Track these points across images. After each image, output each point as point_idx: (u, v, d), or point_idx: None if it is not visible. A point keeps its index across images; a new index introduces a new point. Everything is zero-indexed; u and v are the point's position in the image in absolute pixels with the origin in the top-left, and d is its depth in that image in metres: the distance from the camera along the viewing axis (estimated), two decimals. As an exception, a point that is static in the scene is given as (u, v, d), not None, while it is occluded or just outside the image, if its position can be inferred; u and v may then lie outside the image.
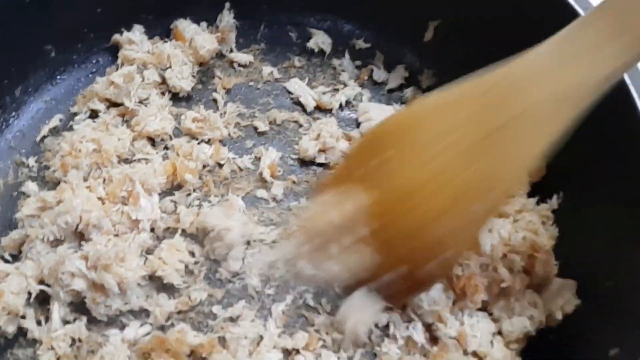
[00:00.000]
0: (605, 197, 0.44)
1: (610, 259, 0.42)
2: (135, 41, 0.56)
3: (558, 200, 0.48)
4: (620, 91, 0.41)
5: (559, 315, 0.43)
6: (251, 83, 0.57)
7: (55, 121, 0.53)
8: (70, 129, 0.53)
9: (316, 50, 0.58)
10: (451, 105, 0.41)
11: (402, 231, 0.42)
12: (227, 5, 0.58)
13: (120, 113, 0.53)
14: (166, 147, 0.52)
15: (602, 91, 0.36)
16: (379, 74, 0.57)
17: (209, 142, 0.52)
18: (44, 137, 0.53)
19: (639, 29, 0.34)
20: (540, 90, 0.37)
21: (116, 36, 0.56)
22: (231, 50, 0.58)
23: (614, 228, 0.43)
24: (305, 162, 0.53)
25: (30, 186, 0.50)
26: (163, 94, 0.55)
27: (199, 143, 0.52)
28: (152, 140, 0.52)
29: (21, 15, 0.50)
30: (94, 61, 0.56)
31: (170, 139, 0.52)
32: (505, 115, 0.38)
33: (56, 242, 0.46)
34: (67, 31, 0.54)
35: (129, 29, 0.56)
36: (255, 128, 0.54)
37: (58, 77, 0.55)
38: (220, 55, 0.58)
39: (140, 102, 0.53)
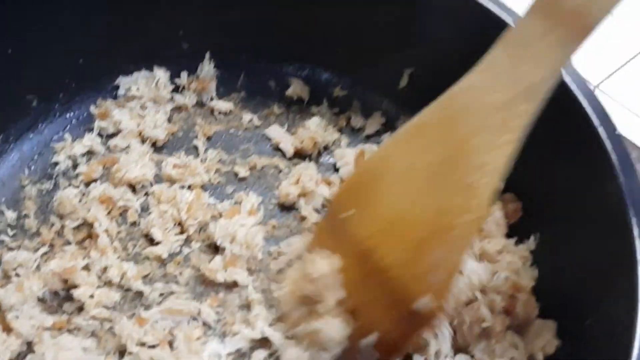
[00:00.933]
0: (582, 235, 0.45)
1: (589, 296, 0.42)
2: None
3: (535, 241, 0.48)
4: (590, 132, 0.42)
5: (539, 357, 0.43)
6: (232, 130, 0.58)
7: (35, 171, 0.54)
8: (50, 177, 0.53)
9: (295, 98, 0.60)
10: (403, 144, 0.41)
11: (368, 295, 0.42)
12: (208, 55, 0.59)
13: (101, 162, 0.54)
14: (147, 194, 0.52)
15: (546, 92, 0.36)
16: (357, 121, 0.58)
17: (189, 187, 0.53)
18: (23, 186, 0.53)
19: (569, 22, 0.35)
20: (486, 101, 0.37)
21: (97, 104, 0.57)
22: (211, 99, 0.59)
23: (591, 265, 0.43)
24: (286, 207, 0.53)
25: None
26: (143, 141, 0.55)
27: (180, 188, 0.52)
28: (132, 187, 0.52)
29: (3, 64, 0.51)
30: (75, 110, 0.56)
31: (151, 185, 0.53)
32: (458, 136, 0.38)
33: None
34: (49, 81, 0.54)
35: (111, 79, 0.57)
36: (236, 174, 0.55)
37: (39, 125, 0.55)
38: (200, 104, 0.59)
39: (121, 150, 0.54)
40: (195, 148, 0.56)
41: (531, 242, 0.48)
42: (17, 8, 0.50)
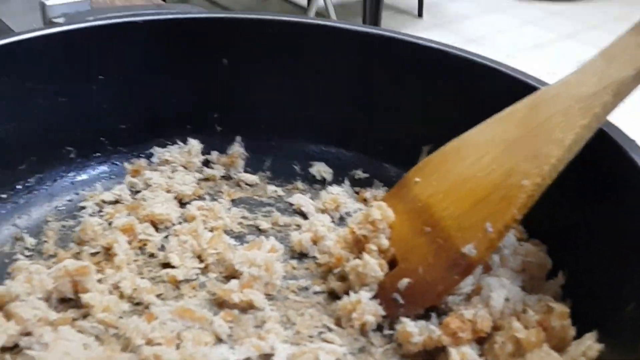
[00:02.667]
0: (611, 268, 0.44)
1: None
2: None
3: (564, 276, 0.47)
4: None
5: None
6: (256, 197, 0.60)
7: (62, 212, 0.55)
8: (75, 217, 0.54)
9: (318, 177, 0.62)
10: (484, 126, 0.47)
11: (415, 244, 0.45)
12: (239, 138, 0.64)
13: (127, 207, 0.55)
14: (168, 235, 0.52)
15: (629, 90, 0.41)
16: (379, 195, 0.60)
17: (211, 230, 0.53)
18: (48, 221, 0.53)
19: None
20: (573, 93, 0.42)
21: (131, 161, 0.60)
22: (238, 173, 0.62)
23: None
24: (303, 255, 0.53)
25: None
26: (169, 192, 0.57)
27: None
28: (155, 226, 0.53)
29: (54, 112, 0.55)
30: (109, 166, 0.59)
31: (173, 225, 0.53)
32: (540, 118, 0.43)
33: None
34: (89, 139, 0.58)
35: (146, 147, 0.61)
36: (257, 227, 0.55)
37: (74, 175, 0.57)
38: (228, 177, 0.62)
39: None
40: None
41: (560, 278, 0.47)
42: (82, 66, 0.56)
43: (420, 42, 0.59)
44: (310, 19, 0.64)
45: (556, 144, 0.41)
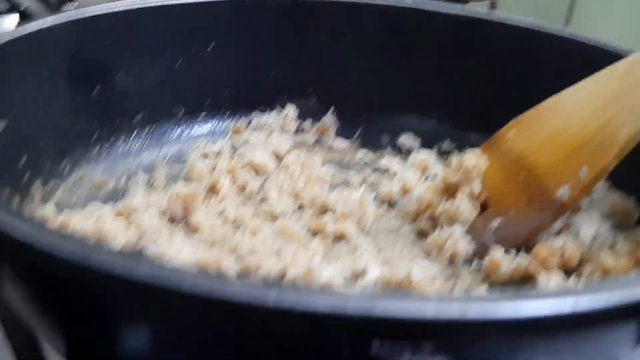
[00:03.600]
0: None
1: None
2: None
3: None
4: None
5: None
6: (346, 159, 0.63)
7: (170, 161, 0.60)
8: (181, 164, 0.59)
9: (405, 147, 0.65)
10: (583, 83, 0.48)
11: (508, 189, 0.48)
12: (332, 109, 0.67)
13: (229, 157, 0.59)
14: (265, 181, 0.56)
15: None
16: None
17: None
18: (157, 166, 0.58)
19: None
20: None
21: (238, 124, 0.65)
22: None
23: None
24: (392, 206, 0.55)
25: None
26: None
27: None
28: (255, 171, 0.57)
29: (167, 75, 0.61)
30: (212, 125, 0.64)
31: (271, 173, 0.57)
32: None
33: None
34: (196, 100, 0.64)
35: (246, 114, 0.66)
36: (348, 181, 0.58)
37: (181, 131, 0.63)
38: (319, 143, 0.65)
39: (249, 149, 0.60)
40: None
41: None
42: (199, 35, 0.62)
43: (508, 22, 0.62)
44: (404, 3, 0.68)
45: None
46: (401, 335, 0.20)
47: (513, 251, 0.44)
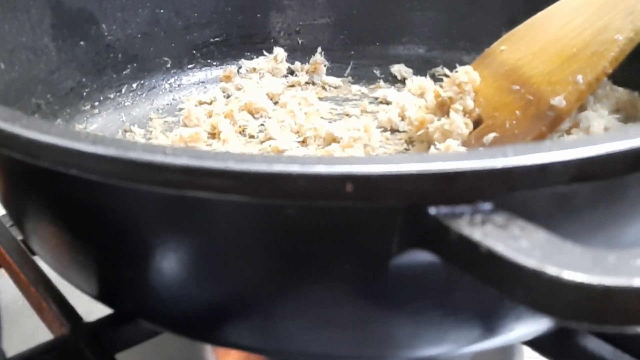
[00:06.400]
0: None
1: None
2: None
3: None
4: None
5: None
6: (341, 95, 0.62)
7: (163, 112, 0.58)
8: (175, 116, 0.58)
9: (399, 77, 0.64)
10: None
11: (503, 101, 0.47)
12: (319, 49, 0.66)
13: (224, 103, 0.58)
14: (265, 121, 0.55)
15: None
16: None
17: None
18: (151, 118, 0.57)
19: None
20: None
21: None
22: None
23: None
24: (395, 131, 0.55)
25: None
26: (262, 91, 0.60)
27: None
28: (252, 114, 0.56)
29: (150, 27, 0.60)
30: (201, 76, 0.63)
31: (268, 114, 0.56)
32: None
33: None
34: (182, 51, 0.62)
35: (234, 61, 0.64)
36: (347, 114, 0.58)
37: (170, 82, 0.61)
38: (312, 83, 0.64)
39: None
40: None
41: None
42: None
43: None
44: None
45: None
46: (460, 191, 0.20)
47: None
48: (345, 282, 0.25)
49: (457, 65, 0.60)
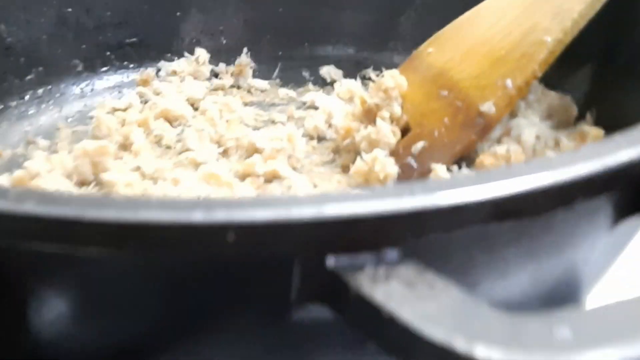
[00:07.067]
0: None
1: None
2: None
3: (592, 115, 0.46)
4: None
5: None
6: (268, 99, 0.59)
7: (73, 121, 0.54)
8: (86, 124, 0.53)
9: (328, 79, 0.61)
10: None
11: (431, 107, 0.44)
12: (245, 49, 0.63)
13: (139, 110, 0.54)
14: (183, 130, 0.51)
15: None
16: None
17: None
18: (59, 128, 0.52)
19: None
20: None
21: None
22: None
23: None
24: (322, 139, 0.52)
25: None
26: (181, 96, 0.56)
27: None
28: (169, 123, 0.52)
29: (58, 27, 0.55)
30: (117, 80, 0.58)
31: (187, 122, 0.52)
32: None
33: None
34: (95, 53, 0.57)
35: (153, 63, 0.60)
36: (273, 120, 0.54)
37: (82, 87, 0.57)
38: (237, 86, 0.61)
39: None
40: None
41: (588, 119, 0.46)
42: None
43: None
44: None
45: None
46: (360, 238, 0.17)
47: (455, 167, 0.42)
48: (248, 334, 0.22)
49: (384, 68, 0.58)
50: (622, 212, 0.22)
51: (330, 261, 0.17)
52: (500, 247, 0.20)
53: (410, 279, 0.17)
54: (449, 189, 0.17)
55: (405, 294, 0.16)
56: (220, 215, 0.17)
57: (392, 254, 0.17)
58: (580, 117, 0.45)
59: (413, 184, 0.17)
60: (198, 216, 0.17)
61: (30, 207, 0.17)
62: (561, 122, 0.45)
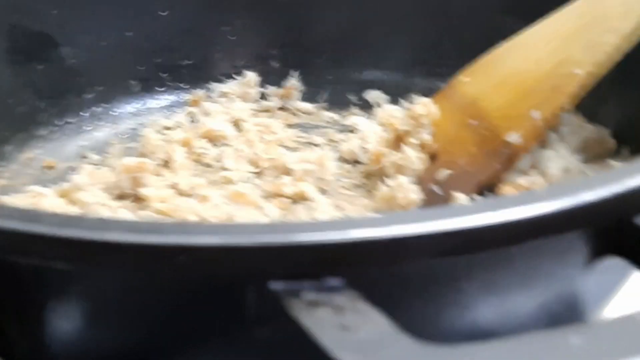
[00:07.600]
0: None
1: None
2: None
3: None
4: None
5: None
6: (311, 122, 0.60)
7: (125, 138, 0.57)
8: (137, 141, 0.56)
9: (373, 104, 0.62)
10: (539, 26, 0.45)
11: (459, 136, 0.45)
12: (294, 73, 0.64)
13: (186, 130, 0.56)
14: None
15: None
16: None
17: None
18: (112, 144, 0.56)
19: None
20: None
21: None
22: (294, 104, 0.63)
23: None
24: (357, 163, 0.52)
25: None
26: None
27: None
28: (212, 142, 0.54)
29: (119, 48, 0.58)
30: (169, 103, 0.61)
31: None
32: (598, 10, 0.41)
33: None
34: (152, 74, 0.61)
35: (204, 84, 0.63)
36: (312, 142, 0.56)
37: (137, 106, 0.60)
38: (283, 109, 0.63)
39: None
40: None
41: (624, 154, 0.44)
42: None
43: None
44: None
45: (613, 32, 0.40)
46: (299, 266, 0.18)
47: (478, 197, 0.42)
48: (218, 350, 0.23)
49: (431, 95, 0.59)
50: (596, 252, 0.22)
51: (273, 285, 0.18)
52: (454, 281, 0.20)
53: (343, 307, 0.17)
54: (391, 225, 0.18)
55: (331, 321, 0.17)
56: (172, 239, 0.18)
57: (333, 281, 0.18)
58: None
59: (355, 219, 0.18)
60: (152, 238, 0.18)
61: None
62: (596, 156, 0.44)
